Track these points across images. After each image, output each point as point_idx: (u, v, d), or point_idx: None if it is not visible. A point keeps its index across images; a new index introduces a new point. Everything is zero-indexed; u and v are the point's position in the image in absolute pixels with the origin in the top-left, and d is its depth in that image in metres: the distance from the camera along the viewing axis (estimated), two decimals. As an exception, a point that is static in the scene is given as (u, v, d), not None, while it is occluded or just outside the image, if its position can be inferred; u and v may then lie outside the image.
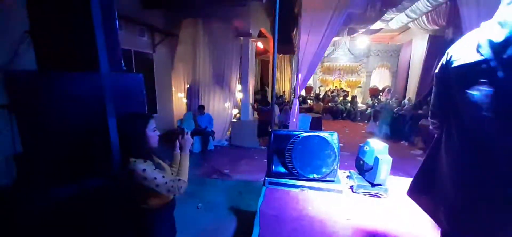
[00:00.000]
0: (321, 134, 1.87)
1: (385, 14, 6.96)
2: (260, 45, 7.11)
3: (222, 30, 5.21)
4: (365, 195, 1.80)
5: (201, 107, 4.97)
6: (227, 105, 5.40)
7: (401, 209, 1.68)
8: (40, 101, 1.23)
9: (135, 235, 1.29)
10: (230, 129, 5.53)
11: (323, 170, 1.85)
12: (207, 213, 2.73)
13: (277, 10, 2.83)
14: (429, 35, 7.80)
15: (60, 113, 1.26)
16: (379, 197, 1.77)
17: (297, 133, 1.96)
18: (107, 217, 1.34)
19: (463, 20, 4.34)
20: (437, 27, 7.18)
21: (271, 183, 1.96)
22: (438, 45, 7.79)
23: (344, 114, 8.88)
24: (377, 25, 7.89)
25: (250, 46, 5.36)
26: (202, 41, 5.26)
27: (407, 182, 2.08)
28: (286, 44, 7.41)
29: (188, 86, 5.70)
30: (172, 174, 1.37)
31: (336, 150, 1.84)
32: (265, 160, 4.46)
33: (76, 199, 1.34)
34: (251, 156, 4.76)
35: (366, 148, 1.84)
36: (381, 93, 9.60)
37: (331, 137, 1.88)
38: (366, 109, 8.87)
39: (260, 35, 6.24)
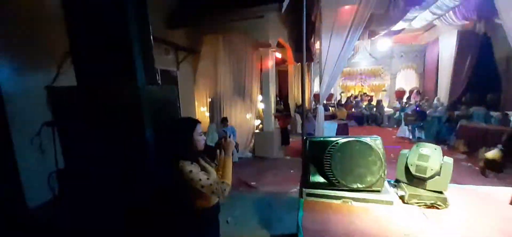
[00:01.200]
0: (363, 138, 1.72)
1: (408, 13, 6.67)
2: (278, 55, 7.10)
3: (241, 43, 5.28)
4: (420, 206, 1.59)
5: (224, 119, 4.98)
6: (249, 117, 5.36)
7: (465, 220, 1.45)
8: (80, 115, 1.25)
9: (185, 233, 1.34)
10: (253, 140, 5.46)
11: (368, 179, 1.68)
12: (238, 227, 2.62)
13: (304, 18, 2.77)
14: (458, 31, 7.30)
15: (100, 127, 1.27)
16: (437, 208, 1.56)
17: (335, 139, 1.82)
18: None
19: (498, 10, 3.99)
20: (466, 22, 6.71)
21: (309, 195, 1.82)
22: (469, 41, 7.25)
23: (370, 120, 8.45)
24: (399, 25, 7.57)
25: (270, 56, 5.35)
26: (223, 55, 5.36)
27: (462, 190, 1.84)
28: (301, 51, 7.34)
29: (210, 100, 5.78)
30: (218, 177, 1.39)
31: (381, 156, 1.67)
32: (291, 170, 4.34)
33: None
34: (276, 167, 4.62)
35: (423, 158, 1.64)
36: (409, 96, 9.04)
37: (374, 141, 1.72)
38: (394, 113, 8.38)
39: (278, 45, 6.24)
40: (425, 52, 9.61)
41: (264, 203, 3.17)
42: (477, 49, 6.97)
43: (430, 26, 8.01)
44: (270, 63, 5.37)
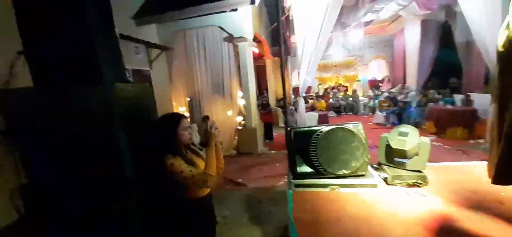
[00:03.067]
0: (345, 125, 1.74)
1: (375, 5, 7.00)
2: (255, 50, 7.05)
3: (216, 38, 5.14)
4: (402, 185, 1.65)
5: (206, 118, 4.83)
6: (231, 114, 5.27)
7: (444, 195, 1.54)
8: (39, 120, 1.09)
9: (178, 224, 1.37)
10: (236, 137, 5.38)
11: (353, 164, 1.71)
12: (229, 226, 2.56)
13: (280, 11, 2.73)
14: (421, 20, 7.84)
15: (65, 131, 1.12)
16: (418, 186, 1.63)
17: (318, 127, 1.83)
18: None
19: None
20: (428, 11, 7.23)
21: (297, 186, 1.81)
22: (431, 29, 7.83)
23: (347, 109, 8.79)
24: (368, 16, 7.93)
25: (247, 50, 5.28)
26: (198, 51, 5.18)
27: (438, 167, 1.96)
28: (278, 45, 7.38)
29: (188, 99, 5.57)
30: None
31: (363, 141, 1.70)
32: (277, 164, 4.35)
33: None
34: (261, 162, 4.60)
35: (403, 134, 1.71)
36: (380, 84, 9.57)
37: (356, 127, 1.75)
38: (369, 101, 8.81)
39: (254, 40, 6.19)
40: (393, 42, 10.20)
41: (252, 200, 3.14)
42: (439, 36, 7.54)
43: (396, 17, 8.48)
44: (248, 58, 5.30)
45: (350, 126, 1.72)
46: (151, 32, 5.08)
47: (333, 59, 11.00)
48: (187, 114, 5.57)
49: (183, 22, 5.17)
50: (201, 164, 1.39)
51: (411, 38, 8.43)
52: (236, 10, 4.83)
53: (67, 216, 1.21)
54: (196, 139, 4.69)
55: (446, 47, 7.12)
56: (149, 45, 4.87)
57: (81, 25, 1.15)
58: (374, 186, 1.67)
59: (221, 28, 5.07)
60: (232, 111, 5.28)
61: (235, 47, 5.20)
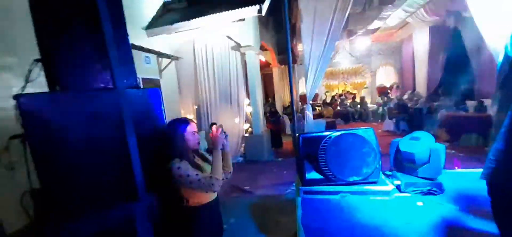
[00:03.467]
0: (355, 131, 1.71)
1: (383, 12, 6.99)
2: (261, 58, 7.12)
3: (224, 47, 5.23)
4: (416, 193, 1.59)
5: (213, 124, 4.86)
6: (238, 121, 5.28)
7: (462, 202, 1.47)
8: (53, 125, 1.12)
9: (185, 230, 1.35)
10: (243, 144, 5.37)
11: (364, 170, 1.67)
12: (235, 234, 2.51)
13: (287, 19, 2.77)
14: (430, 27, 7.74)
15: (76, 137, 1.15)
16: (434, 194, 1.57)
17: (327, 133, 1.80)
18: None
19: (467, 3, 4.25)
20: (437, 18, 7.15)
21: (306, 193, 1.77)
22: (441, 36, 7.71)
23: (356, 117, 8.66)
24: (375, 24, 7.91)
25: (254, 58, 5.34)
26: (206, 60, 5.28)
27: (454, 175, 1.88)
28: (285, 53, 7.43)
29: (196, 107, 5.64)
30: None
31: (375, 147, 1.66)
32: (285, 172, 4.29)
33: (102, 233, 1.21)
34: (269, 169, 4.56)
35: (415, 140, 1.66)
36: (389, 91, 9.41)
37: (367, 133, 1.71)
38: (377, 108, 8.66)
39: (261, 48, 6.26)
40: (401, 48, 10.08)
41: (259, 208, 3.09)
42: (448, 42, 7.40)
43: (404, 24, 8.42)
44: (255, 66, 5.35)
45: (360, 132, 1.69)
46: (161, 42, 5.23)
47: (341, 67, 10.94)
48: (194, 122, 5.63)
49: (191, 32, 5.30)
50: (208, 169, 1.39)
51: (420, 44, 8.32)
52: (243, 20, 4.93)
53: (78, 221, 1.22)
54: (204, 146, 4.71)
55: (457, 53, 6.97)
56: (159, 55, 5.00)
57: (95, 33, 1.19)
58: (387, 193, 1.62)
59: (228, 37, 5.17)
60: (239, 118, 5.30)
61: (242, 55, 5.27)
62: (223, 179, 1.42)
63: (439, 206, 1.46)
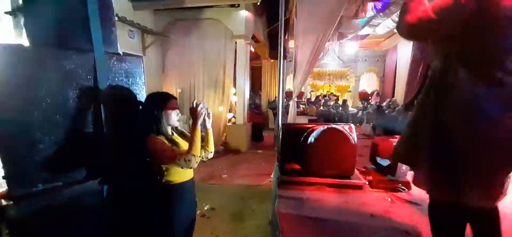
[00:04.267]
0: (336, 126, 1.76)
1: (373, 19, 7.20)
2: (253, 49, 7.05)
3: (215, 32, 5.09)
4: (385, 190, 1.69)
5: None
6: (222, 109, 5.22)
7: (425, 201, 1.58)
8: (17, 82, 1.01)
9: (158, 208, 1.33)
10: (225, 133, 5.33)
11: (341, 164, 1.73)
12: (210, 220, 2.51)
13: (283, 14, 2.75)
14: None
15: (41, 100, 1.05)
16: (401, 191, 1.67)
17: (310, 126, 1.84)
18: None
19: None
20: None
21: (284, 181, 1.81)
22: (422, 49, 8.14)
23: (336, 118, 8.93)
24: (365, 30, 8.12)
25: (245, 48, 5.27)
26: (195, 43, 5.11)
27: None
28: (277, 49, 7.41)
29: (179, 90, 5.47)
30: None
31: (353, 143, 1.73)
32: (264, 164, 4.33)
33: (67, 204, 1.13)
34: (248, 160, 4.58)
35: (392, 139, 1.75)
36: (370, 97, 9.81)
37: (347, 128, 1.77)
38: (357, 112, 9.00)
39: (253, 39, 6.18)
40: (386, 57, 10.50)
41: (236, 195, 3.10)
42: (429, 57, 7.83)
43: (391, 34, 8.75)
44: (245, 56, 5.29)
45: (340, 126, 1.74)
46: (148, 18, 4.96)
47: (328, 68, 11.19)
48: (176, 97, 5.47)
49: (182, 12, 5.08)
50: (187, 147, 1.33)
51: (403, 55, 8.72)
52: (238, 6, 4.82)
53: (41, 190, 1.13)
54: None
55: (435, 68, 7.41)
56: (144, 30, 4.75)
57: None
58: (360, 188, 1.70)
59: (221, 23, 5.04)
60: (224, 107, 5.23)
61: (233, 43, 5.18)
62: (202, 157, 1.39)
63: (404, 203, 1.56)
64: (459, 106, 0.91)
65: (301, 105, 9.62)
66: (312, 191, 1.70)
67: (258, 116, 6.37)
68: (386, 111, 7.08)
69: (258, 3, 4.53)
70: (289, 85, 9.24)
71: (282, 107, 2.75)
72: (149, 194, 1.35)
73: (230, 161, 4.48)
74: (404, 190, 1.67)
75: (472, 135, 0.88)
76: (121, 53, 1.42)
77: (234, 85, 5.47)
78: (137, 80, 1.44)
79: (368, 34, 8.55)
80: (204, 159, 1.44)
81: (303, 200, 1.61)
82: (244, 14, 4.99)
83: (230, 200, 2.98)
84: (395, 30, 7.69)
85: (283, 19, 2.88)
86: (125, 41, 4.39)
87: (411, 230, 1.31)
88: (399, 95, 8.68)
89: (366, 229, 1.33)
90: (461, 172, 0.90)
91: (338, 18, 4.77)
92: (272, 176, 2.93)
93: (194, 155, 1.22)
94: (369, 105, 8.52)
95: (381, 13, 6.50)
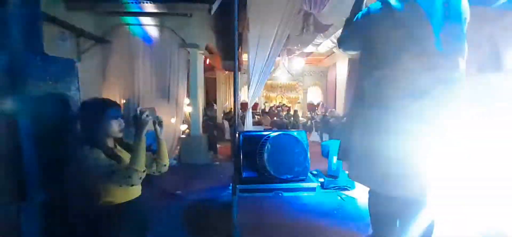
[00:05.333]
0: (290, 132, 1.88)
1: (316, 39, 8.09)
2: (207, 60, 6.97)
3: (167, 40, 4.85)
4: (335, 189, 1.86)
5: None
6: (175, 121, 4.92)
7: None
8: None
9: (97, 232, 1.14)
10: (179, 146, 5.02)
11: (296, 169, 1.83)
12: (162, 242, 2.27)
13: (236, 26, 2.82)
14: (349, 59, 9.45)
15: None
16: (348, 189, 1.87)
17: (267, 132, 1.91)
18: None
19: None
20: (355, 53, 8.81)
21: (243, 191, 1.80)
22: (356, 68, 9.52)
23: (289, 127, 9.49)
24: (309, 48, 9.07)
25: (199, 58, 5.16)
26: (144, 50, 4.75)
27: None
28: (232, 60, 7.52)
29: (124, 101, 4.94)
30: None
31: (306, 148, 1.86)
32: (221, 175, 4.23)
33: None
34: (204, 173, 4.40)
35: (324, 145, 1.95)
36: (316, 108, 10.83)
37: (300, 135, 1.90)
38: (307, 121, 9.77)
39: (206, 49, 6.12)
40: (328, 73, 11.84)
41: (192, 212, 2.91)
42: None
43: (330, 53, 9.95)
44: (199, 66, 5.18)
45: (295, 133, 1.86)
46: (86, 20, 4.40)
47: (279, 81, 11.93)
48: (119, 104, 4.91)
49: (128, 18, 4.69)
50: (126, 160, 1.20)
51: (341, 73, 9.98)
52: (191, 15, 4.73)
53: None
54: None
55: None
56: (80, 33, 4.18)
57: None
58: (313, 190, 1.82)
59: (173, 31, 4.84)
60: (176, 118, 4.95)
61: (186, 52, 5.02)
62: (155, 172, 1.27)
63: (354, 200, 1.75)
64: (366, 109, 1.10)
65: (256, 116, 9.89)
66: (270, 198, 1.74)
67: (213, 128, 6.24)
68: (330, 121, 7.90)
69: (212, 13, 4.55)
70: (244, 96, 9.43)
71: (238, 117, 2.77)
72: (84, 218, 1.15)
73: (184, 175, 4.21)
74: (350, 187, 1.88)
75: (391, 131, 1.05)
76: (48, 54, 1.22)
77: (188, 96, 5.27)
78: (69, 86, 1.24)
79: (312, 52, 9.54)
80: (157, 173, 1.32)
81: (262, 208, 1.63)
82: (198, 25, 4.93)
83: (185, 218, 2.78)
84: (334, 50, 8.77)
85: (236, 33, 2.97)
86: (55, 44, 3.77)
87: (360, 224, 1.47)
88: (340, 107, 9.86)
89: (321, 228, 1.43)
90: (390, 166, 1.05)
91: (286, 35, 5.19)
92: (230, 187, 2.89)
93: (136, 170, 1.07)
94: (316, 115, 9.36)
95: (321, 34, 7.37)
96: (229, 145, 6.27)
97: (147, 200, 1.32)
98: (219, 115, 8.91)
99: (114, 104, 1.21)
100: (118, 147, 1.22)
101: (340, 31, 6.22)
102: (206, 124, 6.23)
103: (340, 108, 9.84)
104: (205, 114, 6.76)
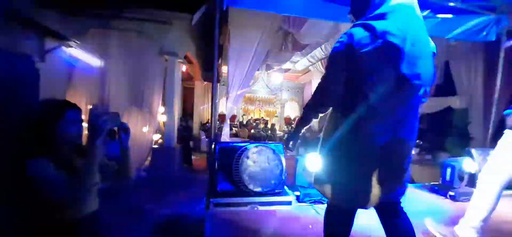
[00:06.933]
0: (268, 144, 1.89)
1: (293, 56, 8.47)
2: (184, 69, 6.84)
3: (143, 46, 4.68)
4: (311, 203, 1.88)
5: (112, 131, 4.05)
6: (147, 130, 4.66)
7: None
8: None
9: None
10: (150, 157, 4.75)
11: (272, 182, 1.83)
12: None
13: (217, 37, 2.84)
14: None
15: None
16: (322, 203, 1.90)
17: (244, 144, 1.89)
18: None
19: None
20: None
21: (217, 204, 1.74)
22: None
23: (266, 140, 9.55)
24: (287, 65, 9.44)
25: (176, 66, 5.05)
26: (117, 54, 4.52)
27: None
28: (211, 71, 7.48)
29: (91, 106, 4.59)
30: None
31: (283, 160, 1.88)
32: (195, 188, 4.06)
33: None
34: (177, 186, 4.18)
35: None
36: (293, 122, 11.11)
37: (277, 147, 1.92)
38: (283, 135, 9.94)
39: (185, 58, 6.03)
40: (304, 89, 12.35)
41: (160, 228, 2.72)
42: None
43: (307, 70, 10.44)
44: (176, 74, 5.05)
45: (272, 145, 1.87)
46: (54, 18, 4.08)
47: (258, 95, 12.12)
48: (85, 125, 4.53)
49: (102, 20, 4.46)
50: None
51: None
52: (171, 23, 4.65)
53: None
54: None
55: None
56: (47, 32, 3.85)
57: None
58: (289, 203, 1.83)
59: (150, 37, 4.69)
60: (149, 127, 4.70)
61: (163, 60, 4.88)
62: (116, 185, 1.16)
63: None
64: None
65: (233, 128, 9.82)
66: (245, 212, 1.70)
67: (189, 138, 6.05)
68: (307, 134, 8.15)
69: (193, 24, 4.53)
70: (222, 108, 9.35)
71: (215, 128, 2.72)
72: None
73: (156, 189, 3.96)
74: (325, 200, 1.91)
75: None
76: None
77: (164, 105, 5.07)
78: (26, 85, 1.12)
79: (289, 69, 9.94)
80: (119, 188, 1.20)
81: (236, 222, 1.58)
82: (177, 33, 4.86)
83: (154, 233, 2.59)
84: (310, 68, 9.19)
85: (217, 44, 2.98)
86: (16, 41, 3.41)
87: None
88: (315, 121, 10.26)
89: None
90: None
91: (266, 51, 5.35)
92: (204, 200, 2.77)
93: (85, 184, 0.94)
94: (292, 129, 9.61)
95: (298, 52, 7.74)
96: (205, 157, 6.10)
97: (108, 215, 1.18)
98: (196, 126, 8.69)
99: (72, 106, 1.07)
100: (75, 156, 1.08)
101: (316, 50, 6.55)
102: (182, 134, 6.02)
103: (315, 123, 10.25)
104: (181, 125, 6.53)
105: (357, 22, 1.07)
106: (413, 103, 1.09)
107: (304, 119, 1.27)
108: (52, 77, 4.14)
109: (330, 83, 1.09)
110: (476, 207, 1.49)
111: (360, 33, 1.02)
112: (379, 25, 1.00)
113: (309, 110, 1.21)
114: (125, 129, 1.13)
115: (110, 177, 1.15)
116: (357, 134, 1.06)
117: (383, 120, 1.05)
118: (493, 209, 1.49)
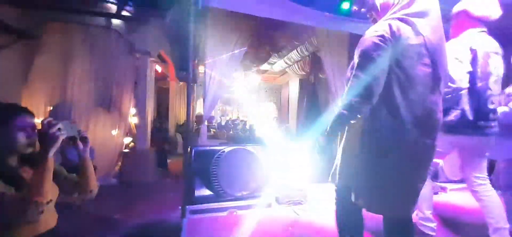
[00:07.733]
0: (247, 147, 1.86)
1: (271, 58, 8.58)
2: (158, 68, 6.52)
3: (111, 43, 4.36)
4: (290, 204, 1.89)
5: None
6: (116, 133, 4.34)
7: (322, 211, 1.88)
8: None
9: None
10: (120, 162, 4.43)
11: (252, 185, 1.80)
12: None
13: (192, 37, 2.72)
14: (299, 79, 10.28)
15: None
16: (301, 204, 1.92)
17: (221, 147, 1.84)
18: None
19: (326, 66, 6.05)
20: (304, 73, 9.66)
21: (193, 212, 1.66)
22: (306, 87, 10.42)
23: (245, 141, 9.52)
24: (265, 66, 9.54)
25: (149, 65, 4.78)
26: (81, 51, 4.15)
27: (320, 187, 2.41)
28: (186, 71, 7.24)
29: (51, 108, 4.15)
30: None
31: (262, 162, 1.86)
32: (171, 194, 3.88)
33: None
34: (151, 192, 3.94)
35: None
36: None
37: (257, 149, 1.90)
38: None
39: (159, 57, 5.75)
40: (281, 91, 12.59)
41: (133, 238, 2.53)
42: (310, 93, 10.02)
43: (284, 72, 10.65)
44: (149, 74, 4.78)
45: (251, 147, 1.84)
46: (8, 12, 3.61)
47: (235, 95, 12.02)
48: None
49: (64, 14, 4.06)
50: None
51: (293, 91, 10.74)
52: (143, 19, 4.39)
53: None
54: (58, 161, 3.44)
55: (314, 102, 9.56)
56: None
57: None
58: (269, 205, 1.81)
59: (119, 34, 4.38)
60: (119, 130, 4.39)
61: (134, 58, 4.59)
62: (76, 201, 1.05)
63: (308, 215, 1.79)
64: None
65: (211, 129, 9.61)
66: (224, 218, 1.65)
67: (164, 141, 5.76)
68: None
69: (167, 21, 4.34)
70: (200, 109, 9.11)
71: (191, 130, 2.62)
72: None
73: (126, 196, 3.69)
74: (303, 201, 1.94)
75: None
76: None
77: (134, 105, 4.77)
78: None
79: (267, 70, 10.06)
80: (79, 202, 1.09)
81: (214, 229, 1.53)
82: (149, 30, 4.61)
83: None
84: (287, 70, 9.35)
85: (192, 43, 2.88)
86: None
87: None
88: (292, 122, 10.49)
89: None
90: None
91: (243, 52, 5.33)
92: (180, 208, 2.64)
93: (35, 202, 0.82)
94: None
95: (276, 54, 7.85)
96: (181, 160, 5.87)
97: (70, 231, 1.05)
98: (172, 127, 8.34)
99: (22, 110, 0.97)
100: (25, 167, 0.97)
101: (292, 52, 6.70)
102: (156, 136, 5.72)
103: (292, 124, 10.47)
104: (155, 126, 6.21)
105: (393, 17, 1.03)
106: (439, 105, 1.07)
107: (343, 121, 1.12)
108: (5, 75, 3.67)
109: (374, 78, 0.99)
110: None
111: (402, 27, 0.98)
112: (419, 22, 0.97)
113: (351, 110, 1.06)
114: (83, 138, 1.03)
115: (69, 191, 1.03)
116: (403, 134, 1.01)
117: (417, 119, 1.00)
118: None
